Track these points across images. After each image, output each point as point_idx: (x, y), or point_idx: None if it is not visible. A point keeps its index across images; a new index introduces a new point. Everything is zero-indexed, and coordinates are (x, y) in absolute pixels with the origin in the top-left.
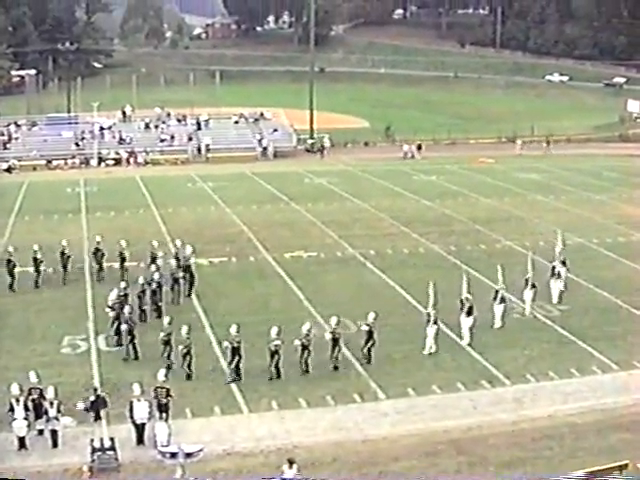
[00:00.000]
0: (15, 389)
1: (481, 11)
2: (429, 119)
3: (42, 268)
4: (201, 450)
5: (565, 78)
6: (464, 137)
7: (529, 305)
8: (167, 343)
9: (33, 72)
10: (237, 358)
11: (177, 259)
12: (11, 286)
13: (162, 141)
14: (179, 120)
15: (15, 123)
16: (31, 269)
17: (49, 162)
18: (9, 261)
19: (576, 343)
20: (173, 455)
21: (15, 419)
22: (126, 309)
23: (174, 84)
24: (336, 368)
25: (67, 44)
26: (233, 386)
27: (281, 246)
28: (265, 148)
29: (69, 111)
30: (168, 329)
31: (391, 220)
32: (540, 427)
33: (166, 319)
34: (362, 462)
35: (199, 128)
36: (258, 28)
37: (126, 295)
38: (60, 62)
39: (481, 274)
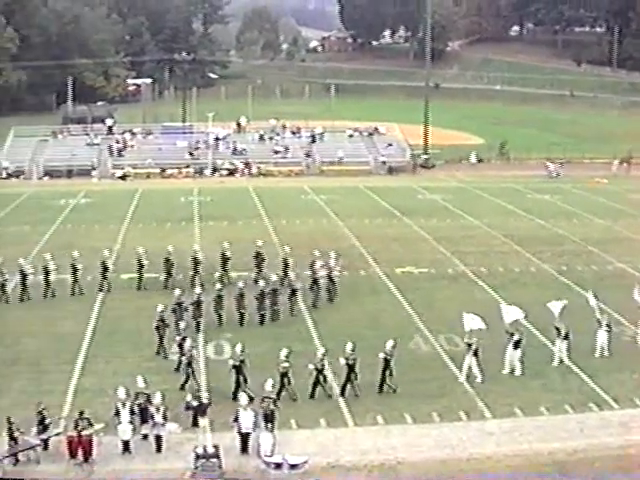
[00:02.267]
0: (122, 393)
1: (598, 29)
2: (544, 137)
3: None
4: (306, 462)
5: None
6: (579, 156)
7: None
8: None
9: (149, 81)
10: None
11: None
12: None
13: (276, 153)
14: (294, 132)
15: (130, 131)
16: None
17: (163, 170)
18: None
19: None
20: (277, 466)
21: (120, 423)
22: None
23: (289, 96)
24: (356, 395)
25: (183, 54)
26: (340, 399)
27: (392, 261)
28: (384, 162)
29: (184, 121)
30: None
31: (503, 238)
32: None
33: (239, 346)
34: None
35: (313, 141)
36: (374, 42)
37: (242, 295)
38: (176, 72)
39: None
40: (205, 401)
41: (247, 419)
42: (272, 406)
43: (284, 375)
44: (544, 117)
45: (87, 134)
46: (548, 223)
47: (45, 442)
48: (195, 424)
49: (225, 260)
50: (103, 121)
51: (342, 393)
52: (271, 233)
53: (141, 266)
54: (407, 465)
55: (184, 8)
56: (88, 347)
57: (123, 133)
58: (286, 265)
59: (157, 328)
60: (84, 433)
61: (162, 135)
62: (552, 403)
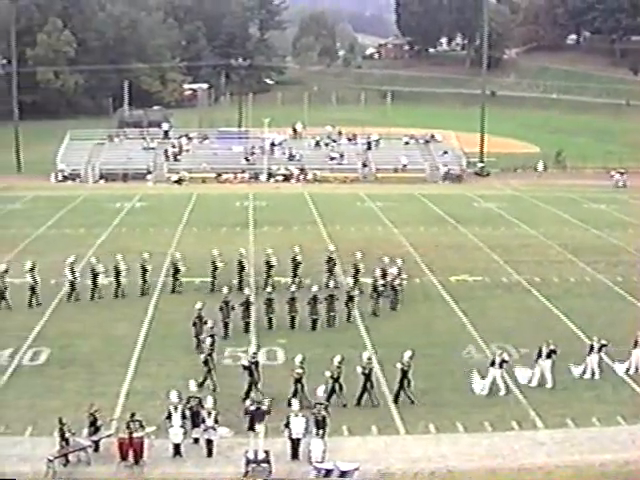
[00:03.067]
0: (174, 397)
1: None
2: (600, 146)
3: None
4: (357, 469)
5: None
6: (636, 166)
7: None
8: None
9: (205, 86)
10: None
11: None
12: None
13: (332, 159)
14: (349, 139)
15: (186, 136)
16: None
17: (219, 175)
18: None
19: None
20: (328, 472)
21: (172, 426)
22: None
23: (345, 103)
24: (375, 405)
25: (240, 60)
26: (391, 406)
27: (447, 269)
28: (447, 171)
29: (240, 126)
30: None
31: (558, 248)
32: None
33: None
34: None
35: (369, 148)
36: (431, 49)
37: (315, 299)
38: (232, 77)
39: None
40: (264, 407)
41: (298, 425)
42: (324, 412)
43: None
44: (600, 126)
45: (143, 138)
46: (603, 233)
47: (96, 444)
48: (251, 428)
49: (270, 266)
50: (159, 125)
51: (395, 400)
52: (326, 239)
53: (176, 270)
54: (458, 474)
55: (241, 13)
56: (141, 350)
57: (179, 137)
58: (357, 271)
59: (194, 324)
60: (135, 435)
61: (218, 140)
62: (604, 414)
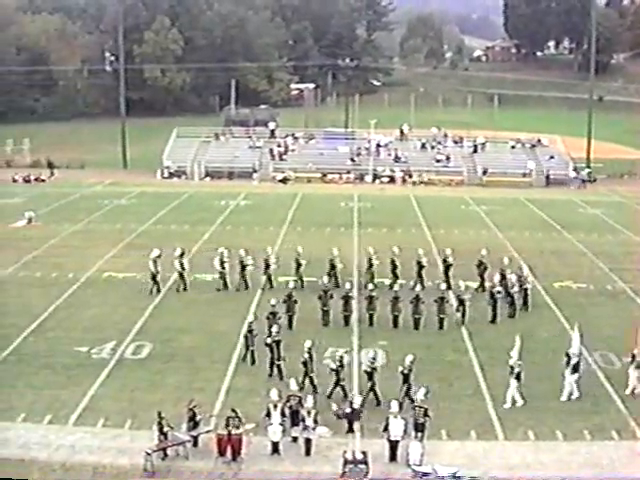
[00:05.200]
0: (274, 395)
1: None
2: None
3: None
4: (455, 473)
5: None
6: None
7: None
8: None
9: (312, 86)
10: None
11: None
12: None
13: (438, 161)
14: (455, 142)
15: (292, 135)
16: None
17: (324, 175)
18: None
19: None
20: (425, 475)
21: (271, 424)
22: None
23: (451, 105)
24: (378, 403)
25: (347, 60)
26: (491, 412)
27: (550, 275)
28: (547, 176)
29: (346, 126)
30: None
31: None
32: None
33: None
34: None
35: (475, 151)
36: (538, 53)
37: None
38: (339, 78)
39: None
40: (356, 407)
41: (397, 427)
42: (423, 415)
43: (406, 377)
44: None
45: (249, 137)
46: None
47: (195, 439)
48: (351, 430)
49: (370, 265)
50: (266, 124)
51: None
52: (430, 242)
53: (267, 266)
54: None
55: (348, 14)
56: (242, 346)
57: (285, 137)
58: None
59: (267, 318)
60: (234, 432)
61: (324, 140)
62: None
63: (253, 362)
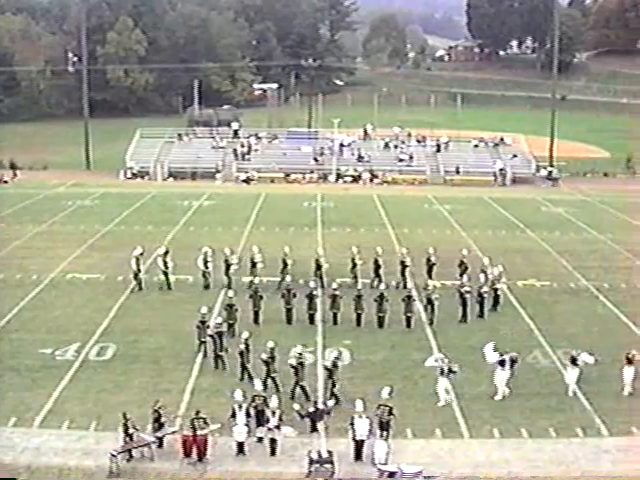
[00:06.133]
0: (238, 395)
1: None
2: None
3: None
4: (420, 472)
5: None
6: None
7: None
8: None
9: (275, 86)
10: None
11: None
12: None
13: (401, 161)
14: (419, 141)
15: (256, 135)
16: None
17: (287, 175)
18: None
19: None
20: (391, 474)
21: (236, 424)
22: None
23: (415, 105)
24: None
25: (310, 60)
26: (456, 410)
27: (514, 273)
28: (502, 172)
29: (309, 126)
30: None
31: (627, 254)
32: None
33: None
34: None
35: (438, 150)
36: (501, 52)
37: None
38: (302, 78)
39: None
40: (321, 406)
41: (362, 426)
42: (388, 414)
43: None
44: None
45: (213, 137)
46: None
47: (160, 440)
48: (314, 429)
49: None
50: (229, 124)
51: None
52: (394, 241)
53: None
54: None
55: (311, 14)
56: (207, 347)
57: (248, 137)
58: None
59: (225, 309)
60: (199, 433)
61: (287, 140)
62: None
63: (205, 355)
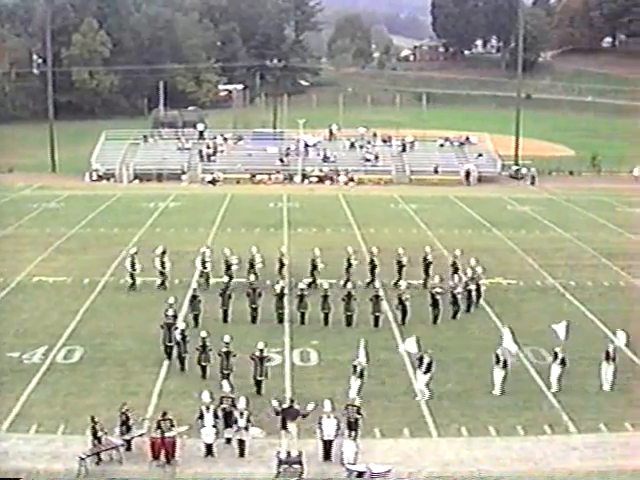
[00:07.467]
0: (206, 397)
1: None
2: (636, 150)
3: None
4: (389, 471)
5: None
6: None
7: None
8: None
9: (240, 87)
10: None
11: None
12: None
13: (367, 161)
14: (384, 141)
15: (221, 136)
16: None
17: (253, 176)
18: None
19: None
20: (360, 474)
21: (204, 426)
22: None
23: (380, 105)
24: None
25: (275, 61)
26: (424, 409)
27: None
28: (468, 173)
29: (275, 127)
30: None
31: (593, 251)
32: None
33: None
34: None
35: (404, 150)
36: (466, 52)
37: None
38: (267, 78)
39: None
40: (296, 406)
41: (330, 426)
42: (356, 414)
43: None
44: (636, 129)
45: (178, 138)
46: (638, 237)
47: (128, 443)
48: (284, 427)
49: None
50: (194, 126)
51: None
52: (360, 241)
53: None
54: (490, 478)
55: (276, 15)
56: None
57: (214, 138)
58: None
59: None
60: (167, 435)
61: (252, 141)
62: (637, 419)
63: (170, 357)
